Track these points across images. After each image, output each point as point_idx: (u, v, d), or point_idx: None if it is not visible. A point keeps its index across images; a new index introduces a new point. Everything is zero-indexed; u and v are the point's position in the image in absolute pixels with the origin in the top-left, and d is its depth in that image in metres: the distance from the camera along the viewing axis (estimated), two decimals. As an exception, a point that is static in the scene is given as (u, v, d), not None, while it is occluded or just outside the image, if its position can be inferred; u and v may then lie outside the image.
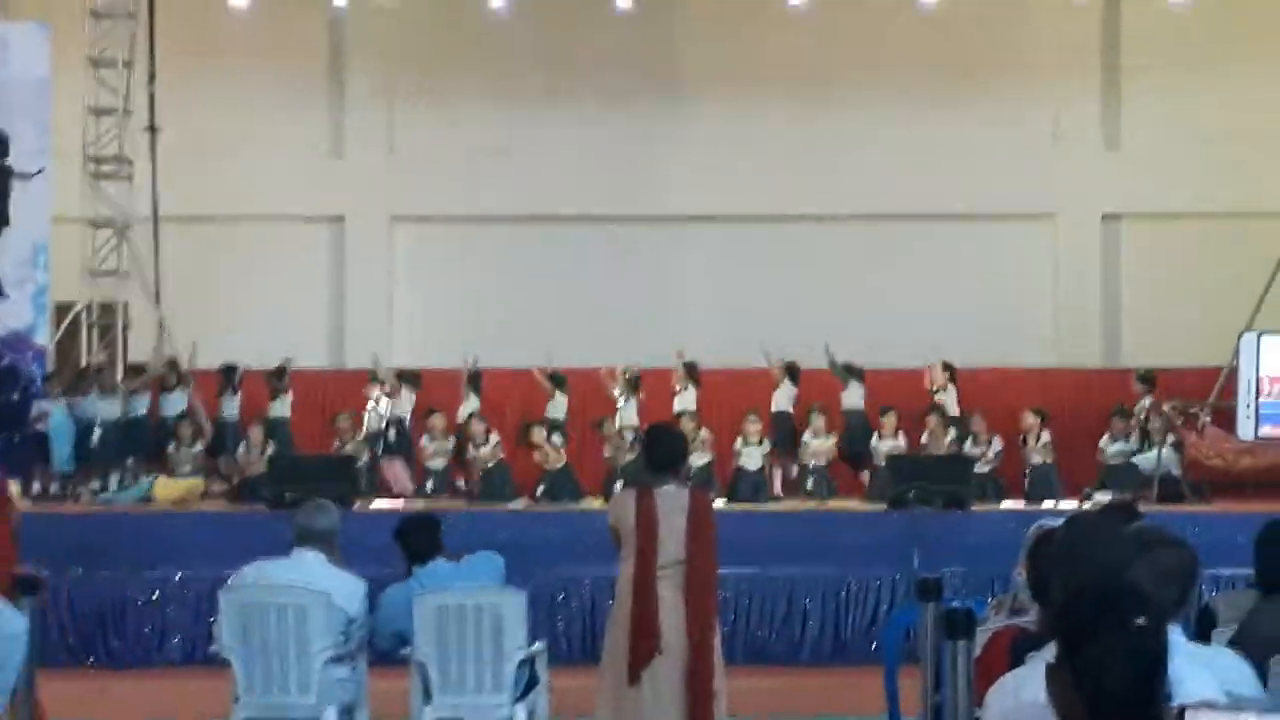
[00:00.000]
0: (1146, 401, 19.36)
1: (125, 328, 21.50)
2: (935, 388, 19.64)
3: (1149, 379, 19.65)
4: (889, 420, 19.07)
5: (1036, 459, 18.78)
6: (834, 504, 18.33)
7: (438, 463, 18.81)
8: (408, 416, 19.54)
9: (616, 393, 19.39)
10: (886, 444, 18.84)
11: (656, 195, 22.50)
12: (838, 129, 22.49)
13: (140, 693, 14.18)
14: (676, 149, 22.63)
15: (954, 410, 19.45)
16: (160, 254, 21.76)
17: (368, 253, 23.07)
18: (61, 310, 21.21)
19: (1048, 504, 16.99)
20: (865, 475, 19.17)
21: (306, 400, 20.20)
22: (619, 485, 15.89)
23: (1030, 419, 19.01)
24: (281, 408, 19.69)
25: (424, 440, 18.88)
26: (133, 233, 21.47)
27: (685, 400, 19.34)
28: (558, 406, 19.44)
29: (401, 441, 19.31)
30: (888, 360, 20.89)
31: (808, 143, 22.50)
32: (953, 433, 18.92)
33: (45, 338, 20.42)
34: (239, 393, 19.87)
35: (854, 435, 19.27)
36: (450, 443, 18.88)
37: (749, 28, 22.26)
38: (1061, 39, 22.58)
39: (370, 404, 19.59)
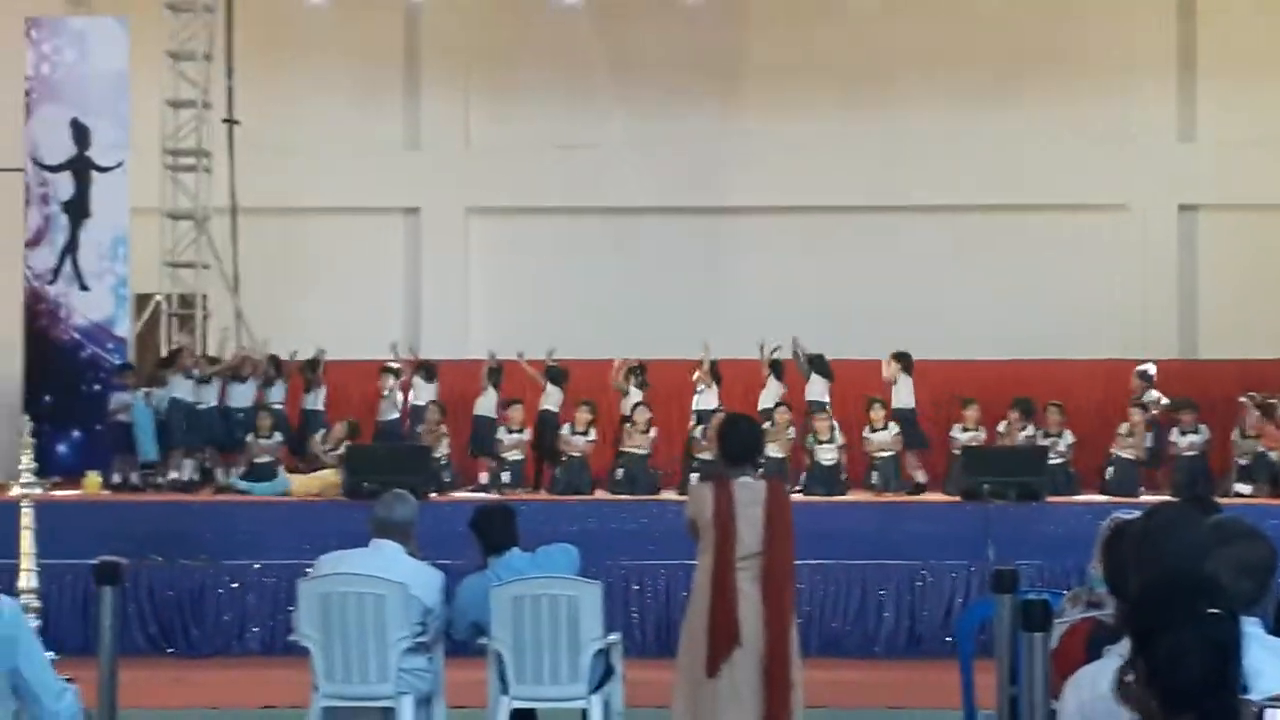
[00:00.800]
0: (1152, 394, 19.21)
1: (204, 319, 21.68)
2: (888, 380, 19.23)
3: (1147, 376, 19.50)
4: (971, 412, 18.95)
5: (1127, 454, 18.56)
6: (908, 496, 18.23)
7: (514, 455, 18.80)
8: (425, 406, 19.58)
9: (620, 386, 19.35)
10: (965, 435, 18.74)
11: (724, 187, 22.51)
12: (909, 121, 22.44)
13: (219, 681, 14.31)
14: (742, 141, 22.63)
15: (909, 402, 19.08)
16: (238, 246, 21.93)
17: (443, 244, 23.20)
18: (141, 302, 21.41)
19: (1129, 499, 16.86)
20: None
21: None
22: (694, 477, 15.82)
23: (1137, 415, 18.74)
24: (315, 400, 19.65)
25: (500, 432, 18.88)
26: (211, 225, 21.63)
27: (707, 400, 19.22)
28: (550, 399, 19.30)
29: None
30: (959, 352, 20.87)
31: (878, 134, 22.48)
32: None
33: (125, 329, 20.62)
34: (286, 383, 19.87)
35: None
36: (527, 434, 18.87)
37: (815, 20, 22.25)
38: (1137, 28, 22.43)
39: (384, 394, 19.61)
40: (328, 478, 17.81)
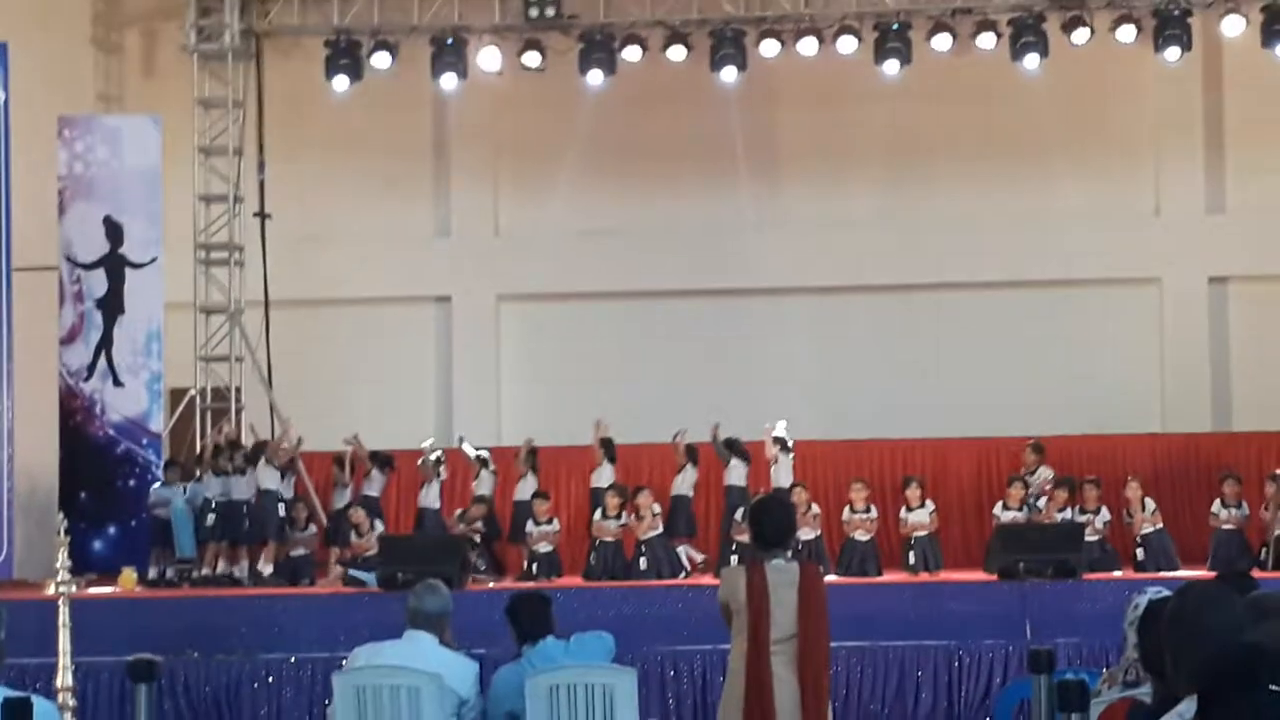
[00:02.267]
0: (1042, 472, 19.24)
1: (238, 412, 21.74)
2: (770, 459, 19.19)
3: (1039, 448, 19.62)
4: (1015, 491, 18.92)
5: (1148, 528, 18.55)
6: (944, 575, 18.16)
7: (544, 546, 18.72)
8: (378, 496, 19.57)
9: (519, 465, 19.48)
10: (1008, 515, 18.69)
11: (755, 268, 22.55)
12: (939, 199, 22.48)
13: (257, 775, 14.29)
14: (774, 222, 22.73)
15: (786, 482, 18.91)
16: (271, 338, 22.01)
17: (474, 331, 23.24)
18: (175, 396, 21.49)
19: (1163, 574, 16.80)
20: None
21: (416, 480, 20.29)
22: (734, 560, 15.72)
23: (1134, 488, 18.80)
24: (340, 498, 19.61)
25: (529, 525, 18.85)
26: (244, 318, 21.75)
27: (684, 481, 19.28)
28: (525, 487, 19.36)
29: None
30: (993, 430, 20.87)
31: (908, 214, 22.52)
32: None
33: (159, 424, 20.69)
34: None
35: (734, 512, 18.71)
36: (556, 525, 18.86)
37: (844, 104, 22.28)
38: (1163, 103, 22.45)
39: (336, 483, 19.63)
40: None
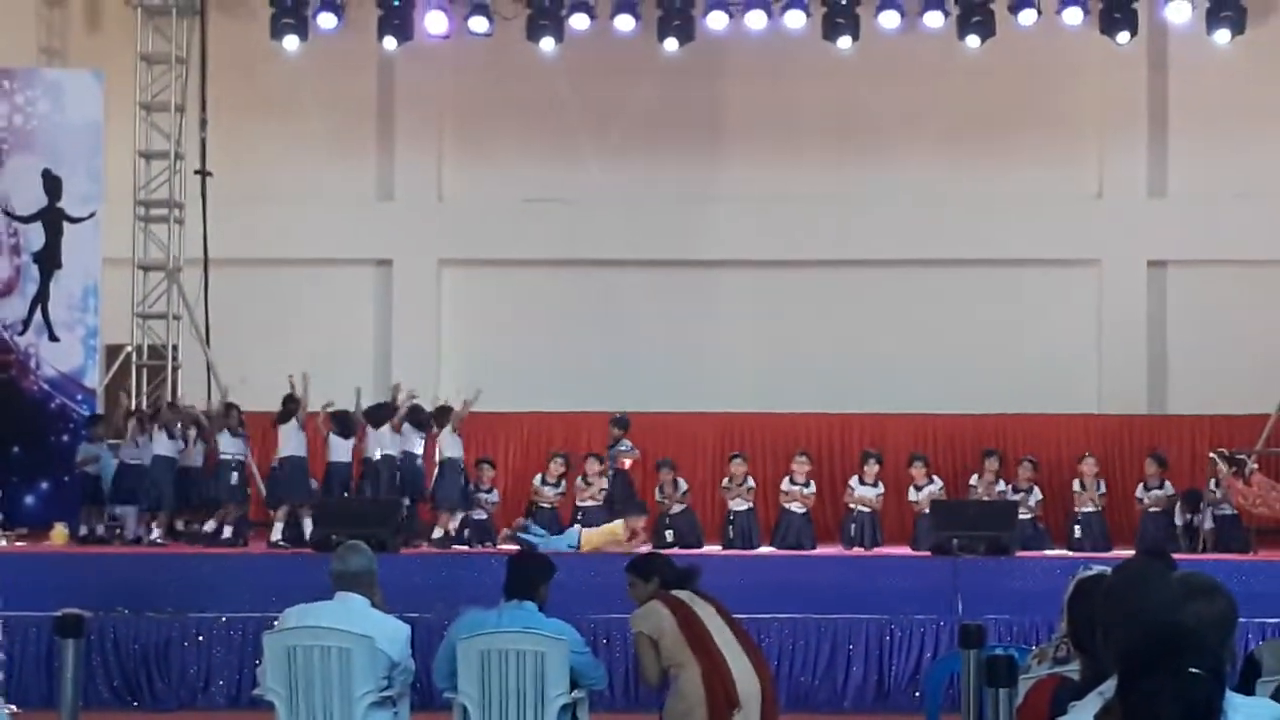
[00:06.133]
0: (625, 444, 19.12)
1: (174, 370, 21.61)
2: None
3: (623, 423, 19.37)
4: (917, 470, 19.05)
5: (1089, 507, 18.70)
6: (878, 550, 18.24)
7: (479, 515, 18.67)
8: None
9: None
10: (922, 494, 18.79)
11: (698, 240, 22.55)
12: (879, 175, 22.51)
13: (184, 735, 14.24)
14: (718, 195, 22.71)
15: (454, 453, 18.54)
16: (209, 297, 21.87)
17: (415, 296, 23.15)
18: (111, 353, 21.35)
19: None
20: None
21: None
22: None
23: (1090, 464, 18.96)
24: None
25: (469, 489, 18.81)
26: (182, 276, 21.60)
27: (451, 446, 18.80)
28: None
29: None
30: (931, 407, 20.96)
31: (850, 189, 22.54)
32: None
33: (94, 380, 20.54)
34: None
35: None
36: (496, 496, 18.82)
37: (791, 77, 22.27)
38: (1107, 86, 22.53)
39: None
40: (615, 530, 17.67)
